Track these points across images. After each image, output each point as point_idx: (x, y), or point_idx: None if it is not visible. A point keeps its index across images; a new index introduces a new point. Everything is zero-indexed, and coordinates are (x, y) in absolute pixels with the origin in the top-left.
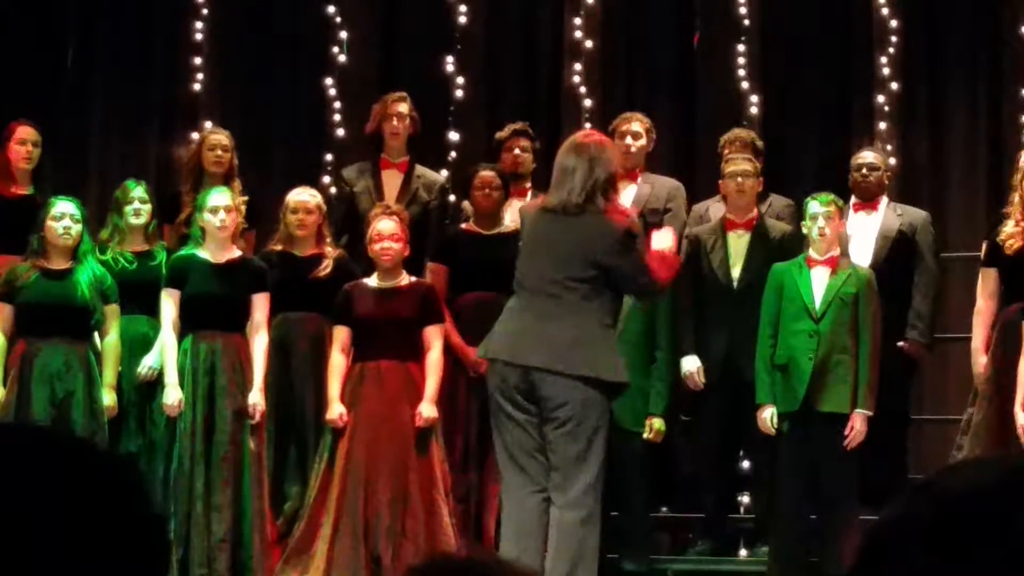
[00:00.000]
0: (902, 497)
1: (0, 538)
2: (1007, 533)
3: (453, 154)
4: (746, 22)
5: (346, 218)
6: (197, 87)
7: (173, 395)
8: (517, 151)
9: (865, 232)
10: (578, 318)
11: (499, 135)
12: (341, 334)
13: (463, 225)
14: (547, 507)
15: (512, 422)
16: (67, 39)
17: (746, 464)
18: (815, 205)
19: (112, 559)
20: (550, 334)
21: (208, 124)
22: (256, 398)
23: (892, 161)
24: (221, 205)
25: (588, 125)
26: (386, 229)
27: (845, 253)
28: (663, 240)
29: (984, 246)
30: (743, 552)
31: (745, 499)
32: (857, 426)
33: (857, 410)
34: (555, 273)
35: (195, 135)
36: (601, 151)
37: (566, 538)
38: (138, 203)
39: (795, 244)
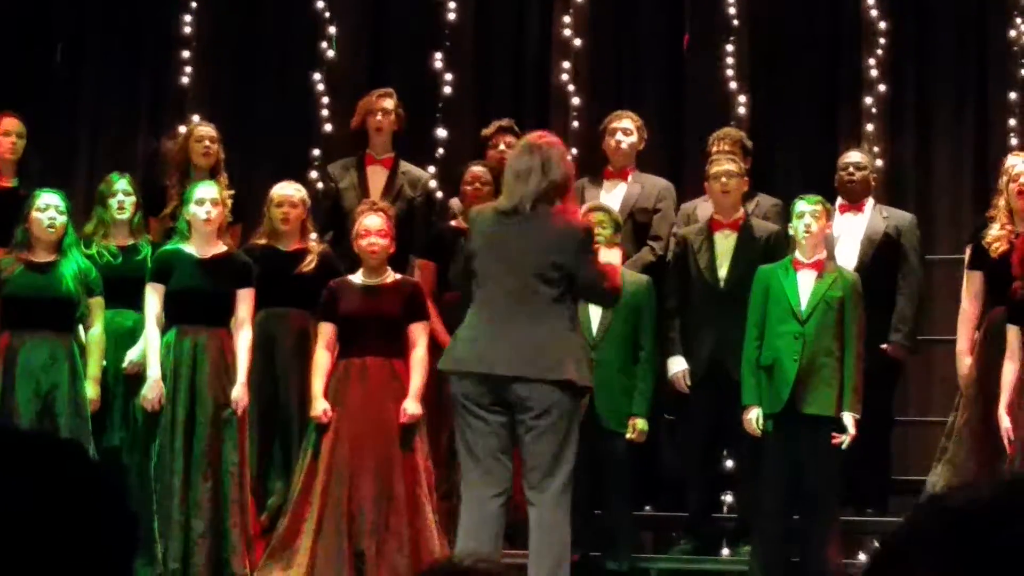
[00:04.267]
0: (911, 512)
1: None
2: (1001, 541)
3: (441, 151)
4: (735, 22)
5: (331, 214)
6: (185, 80)
7: (154, 389)
8: (502, 147)
9: (851, 234)
10: (546, 321)
11: (485, 132)
12: (326, 331)
13: (452, 222)
14: (506, 510)
15: (480, 422)
16: (56, 33)
17: (729, 463)
18: (802, 204)
19: (80, 552)
20: (520, 339)
21: (196, 118)
22: (239, 393)
23: (879, 163)
24: (208, 198)
25: (576, 124)
26: (373, 225)
27: (831, 256)
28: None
29: (968, 249)
30: (725, 551)
31: (728, 498)
32: (850, 429)
33: (844, 412)
34: (519, 277)
35: (182, 128)
36: (553, 152)
37: (550, 537)
38: (122, 195)
39: (782, 244)
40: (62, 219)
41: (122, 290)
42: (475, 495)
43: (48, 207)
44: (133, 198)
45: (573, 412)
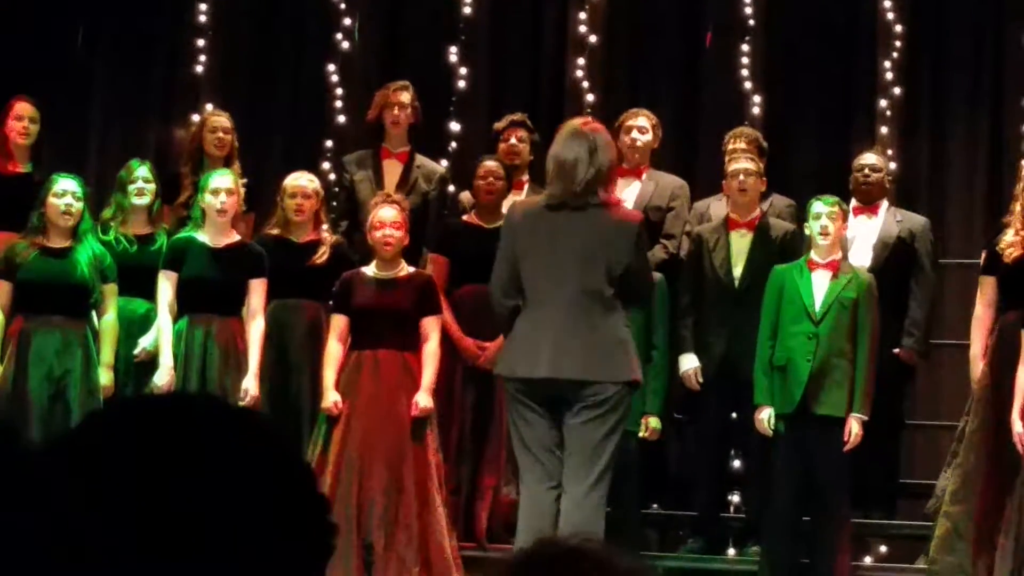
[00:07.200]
0: None
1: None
2: None
3: (454, 144)
4: (751, 22)
5: (345, 206)
6: (199, 69)
7: (165, 376)
8: (514, 141)
9: (864, 236)
10: (607, 320)
11: (497, 125)
12: (339, 323)
13: (464, 217)
14: (559, 502)
15: (534, 415)
16: (76, 18)
17: (737, 463)
18: (819, 205)
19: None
20: (583, 341)
21: (209, 107)
22: (249, 383)
23: (892, 166)
24: (223, 187)
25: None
26: (387, 217)
27: (846, 257)
28: None
29: (983, 254)
30: (731, 551)
31: (735, 498)
32: (854, 430)
33: (853, 414)
34: (576, 273)
35: (196, 117)
36: (599, 138)
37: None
38: (142, 182)
39: (797, 243)
40: (79, 205)
41: (136, 279)
42: (530, 489)
43: (65, 193)
44: (153, 185)
45: (627, 407)
